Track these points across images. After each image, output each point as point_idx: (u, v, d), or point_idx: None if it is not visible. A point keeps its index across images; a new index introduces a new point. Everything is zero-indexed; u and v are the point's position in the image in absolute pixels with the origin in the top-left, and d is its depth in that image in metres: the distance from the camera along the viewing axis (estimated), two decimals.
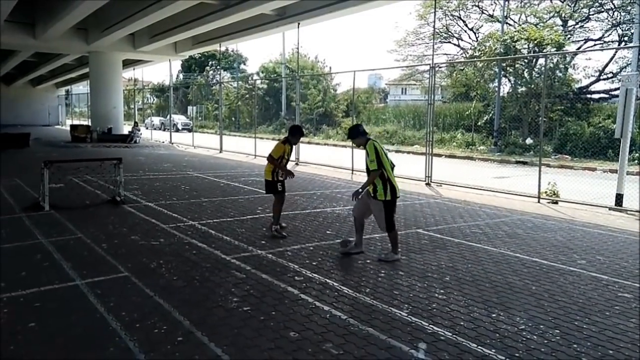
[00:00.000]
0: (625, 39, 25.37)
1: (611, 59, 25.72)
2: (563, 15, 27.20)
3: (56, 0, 19.13)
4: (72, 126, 28.00)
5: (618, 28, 26.13)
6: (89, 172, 11.46)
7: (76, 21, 20.35)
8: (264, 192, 7.49)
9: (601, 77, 26.19)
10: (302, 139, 7.43)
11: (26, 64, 36.82)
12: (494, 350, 3.58)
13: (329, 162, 16.74)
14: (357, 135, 5.96)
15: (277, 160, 6.79)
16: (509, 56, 23.20)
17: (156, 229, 7.11)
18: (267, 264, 5.54)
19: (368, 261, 5.76)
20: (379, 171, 5.56)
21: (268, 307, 4.31)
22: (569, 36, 26.66)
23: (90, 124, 27.79)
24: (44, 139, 26.42)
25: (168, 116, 35.89)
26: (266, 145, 23.35)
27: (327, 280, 5.03)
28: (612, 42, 26.50)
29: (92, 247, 6.07)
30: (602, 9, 26.36)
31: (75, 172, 11.20)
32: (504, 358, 3.48)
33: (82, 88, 52.23)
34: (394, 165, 5.86)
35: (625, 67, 24.37)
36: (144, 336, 3.69)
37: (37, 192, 8.62)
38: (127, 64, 31.52)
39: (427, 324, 4.01)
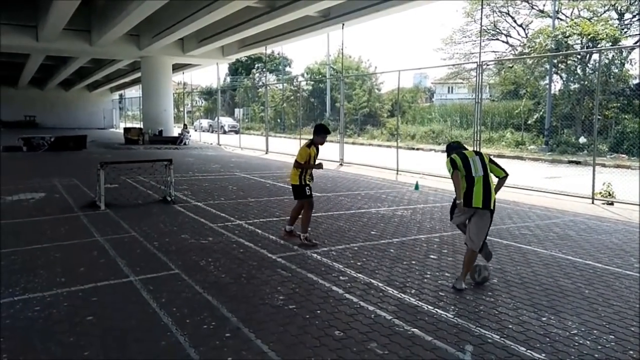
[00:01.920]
0: None
1: None
2: (619, 8, 26.03)
3: (110, 8, 19.98)
4: (125, 129, 29.09)
5: None
6: (141, 173, 11.88)
7: (129, 27, 21.17)
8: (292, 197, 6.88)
9: None
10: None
11: (83, 70, 38.59)
12: (544, 355, 3.49)
13: (373, 163, 16.67)
14: (451, 150, 5.40)
15: (304, 164, 6.45)
16: (561, 52, 22.41)
17: (205, 228, 7.31)
18: (312, 263, 5.60)
19: (413, 262, 5.72)
20: (454, 172, 4.98)
21: (313, 305, 4.36)
22: (625, 30, 25.49)
23: (142, 126, 28.80)
24: (99, 141, 27.58)
25: (216, 118, 36.76)
26: None
27: (372, 281, 5.03)
28: None
29: (144, 245, 6.31)
30: None
31: (129, 172, 11.66)
32: None
33: (134, 92, 54.23)
34: (500, 175, 5.18)
35: None
36: (194, 331, 3.81)
37: (94, 192, 9.04)
38: (177, 68, 32.49)
39: (474, 326, 3.95)
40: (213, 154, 22.13)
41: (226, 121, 42.56)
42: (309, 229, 6.56)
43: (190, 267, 5.40)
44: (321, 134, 6.59)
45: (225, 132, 38.13)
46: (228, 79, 59.84)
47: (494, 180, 5.10)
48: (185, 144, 26.18)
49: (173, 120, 30.36)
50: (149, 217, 8.08)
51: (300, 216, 6.64)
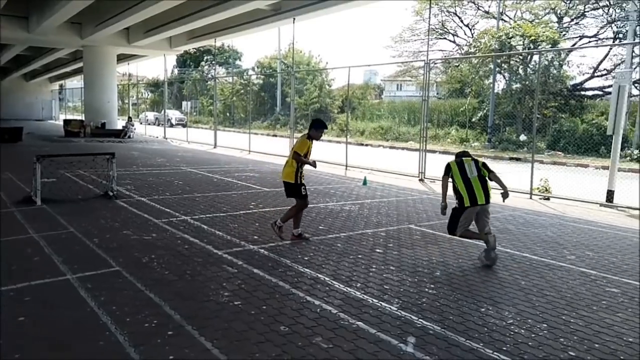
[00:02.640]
0: (620, 36, 25.49)
1: (605, 56, 25.89)
2: (558, 11, 27.31)
3: None
4: (65, 121, 27.85)
5: (613, 25, 26.24)
6: (81, 167, 11.42)
7: (70, 15, 20.22)
8: (285, 195, 6.69)
9: (595, 74, 26.34)
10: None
11: (20, 58, 36.61)
12: (481, 344, 3.62)
13: (323, 158, 16.70)
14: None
15: (303, 158, 6.27)
16: (504, 53, 23.26)
17: (148, 224, 7.11)
18: (259, 259, 5.56)
19: (360, 256, 5.79)
20: (443, 177, 5.72)
21: (259, 301, 4.33)
22: (564, 33, 26.76)
23: (83, 118, 27.67)
24: (36, 133, 26.29)
25: (162, 111, 35.80)
26: (260, 141, 23.42)
27: (319, 275, 5.05)
28: (607, 39, 26.63)
29: (83, 242, 6.07)
30: (598, 6, 26.47)
31: (68, 166, 11.17)
32: (491, 352, 3.51)
33: (76, 83, 51.97)
34: (479, 176, 5.64)
35: (619, 64, 24.48)
36: (135, 330, 3.70)
37: (29, 187, 8.60)
38: (122, 58, 31.36)
39: (416, 318, 4.04)
40: (159, 147, 21.57)
41: (173, 114, 41.60)
42: (284, 224, 6.44)
43: (133, 264, 5.24)
44: (319, 128, 6.48)
45: (172, 126, 37.28)
46: (176, 71, 58.40)
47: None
48: (129, 137, 25.35)
49: (117, 113, 29.30)
50: (89, 212, 7.78)
51: (293, 216, 6.49)
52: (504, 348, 3.58)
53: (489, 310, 4.27)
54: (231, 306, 4.21)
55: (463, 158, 5.78)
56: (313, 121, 6.66)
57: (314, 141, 6.54)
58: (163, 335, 3.64)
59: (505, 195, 5.79)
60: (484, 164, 5.77)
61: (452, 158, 5.93)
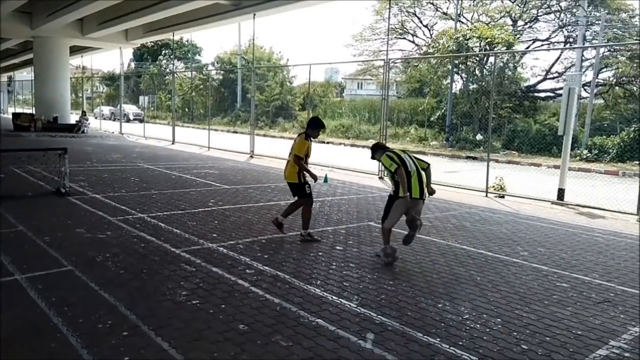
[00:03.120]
0: (571, 40, 26.52)
1: (557, 59, 26.88)
2: (513, 15, 28.11)
3: None
4: (14, 114, 26.68)
5: (564, 29, 27.26)
6: (32, 163, 10.96)
7: (19, 4, 19.38)
8: (291, 195, 6.64)
9: (548, 77, 27.31)
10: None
11: None
12: (438, 339, 3.69)
13: (284, 155, 16.65)
14: (375, 152, 5.94)
15: (303, 160, 6.21)
16: (461, 53, 23.78)
17: (103, 222, 6.90)
18: (217, 257, 5.49)
19: (320, 253, 5.80)
20: (399, 168, 5.39)
21: (217, 300, 4.27)
22: (518, 36, 27.57)
23: (34, 112, 26.57)
24: None
25: (118, 106, 34.81)
26: (220, 137, 23.12)
27: (279, 273, 5.03)
28: (559, 42, 27.66)
29: (33, 240, 5.83)
30: (550, 11, 27.43)
31: (17, 162, 10.71)
32: (447, 346, 3.58)
33: (26, 74, 49.79)
34: (423, 167, 5.66)
35: (570, 67, 25.49)
36: (88, 331, 3.58)
37: None
38: (75, 50, 30.25)
39: (375, 315, 4.08)
40: (114, 143, 20.96)
41: (130, 109, 40.45)
42: (285, 218, 6.56)
43: (86, 263, 5.06)
44: (316, 127, 6.37)
45: (129, 121, 36.24)
46: (133, 65, 56.89)
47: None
48: (83, 132, 24.52)
49: (70, 107, 28.27)
50: (39, 210, 7.48)
51: (296, 212, 6.53)
52: (460, 343, 3.66)
53: (446, 306, 4.36)
54: (189, 305, 4.14)
55: (394, 151, 5.70)
56: (310, 120, 6.58)
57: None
58: (118, 335, 3.54)
59: (430, 192, 5.73)
60: (417, 158, 5.75)
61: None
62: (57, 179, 9.10)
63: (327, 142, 26.85)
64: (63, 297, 4.18)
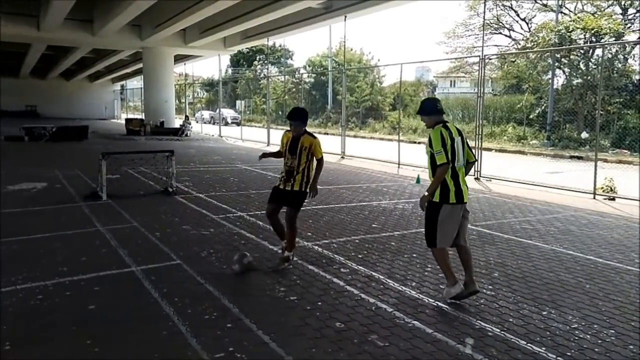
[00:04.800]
0: None
1: None
2: (623, 3, 25.87)
3: None
4: (127, 120, 29.05)
5: None
6: (143, 164, 11.87)
7: (131, 18, 21.09)
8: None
9: None
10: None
11: (84, 60, 38.46)
12: (544, 349, 3.50)
13: (374, 156, 16.67)
14: (431, 112, 4.41)
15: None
16: (564, 47, 22.29)
17: (206, 219, 7.32)
18: (313, 256, 5.61)
19: (414, 255, 5.73)
20: (449, 165, 4.17)
21: (314, 297, 4.37)
22: (629, 25, 25.32)
23: (143, 117, 28.74)
24: (100, 132, 27.55)
25: (217, 110, 36.66)
26: None
27: (373, 273, 5.04)
28: None
29: (146, 236, 6.32)
30: None
31: (130, 163, 11.65)
32: (554, 357, 3.39)
33: (136, 83, 54.11)
34: (470, 160, 4.46)
35: None
36: (195, 321, 3.83)
37: (95, 182, 9.04)
38: (178, 59, 32.39)
39: (474, 320, 3.96)
40: (214, 145, 22.11)
41: (228, 113, 42.45)
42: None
43: (192, 258, 5.41)
44: (297, 119, 5.39)
45: (227, 124, 38.07)
46: (229, 71, 59.65)
47: None
48: (186, 135, 26.15)
49: (174, 112, 30.31)
50: (150, 207, 8.09)
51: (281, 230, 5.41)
52: (568, 353, 3.45)
53: (551, 314, 4.12)
54: (287, 301, 4.28)
55: (448, 126, 4.29)
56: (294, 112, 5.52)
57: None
58: (222, 327, 3.74)
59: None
60: (469, 146, 4.44)
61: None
62: (165, 179, 9.79)
63: (418, 142, 26.39)
64: (173, 288, 4.49)
